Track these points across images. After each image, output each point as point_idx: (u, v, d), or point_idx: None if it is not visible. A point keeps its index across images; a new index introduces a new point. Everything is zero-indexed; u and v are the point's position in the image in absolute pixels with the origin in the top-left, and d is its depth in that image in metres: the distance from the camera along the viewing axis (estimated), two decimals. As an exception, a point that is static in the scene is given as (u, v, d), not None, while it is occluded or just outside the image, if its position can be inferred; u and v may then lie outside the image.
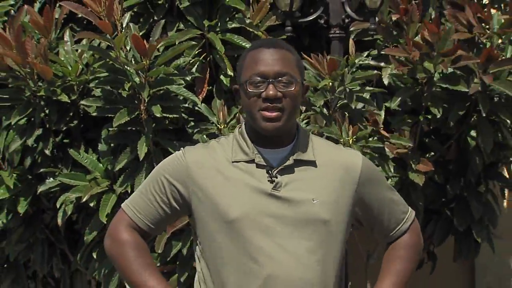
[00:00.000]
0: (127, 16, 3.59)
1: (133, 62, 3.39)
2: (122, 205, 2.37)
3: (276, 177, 2.30)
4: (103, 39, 3.42)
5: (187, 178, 2.32)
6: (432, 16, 3.91)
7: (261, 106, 2.24)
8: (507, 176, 4.27)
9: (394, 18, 3.83)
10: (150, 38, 3.50)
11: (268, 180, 2.30)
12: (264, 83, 2.24)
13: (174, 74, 3.44)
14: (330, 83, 3.61)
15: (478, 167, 3.96)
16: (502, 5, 4.18)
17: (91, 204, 3.53)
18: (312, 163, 2.35)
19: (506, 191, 4.44)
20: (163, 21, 3.60)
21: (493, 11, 3.98)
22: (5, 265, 4.21)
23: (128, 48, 3.43)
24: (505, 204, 4.73)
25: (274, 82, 2.24)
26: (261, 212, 2.29)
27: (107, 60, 3.45)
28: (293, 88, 2.26)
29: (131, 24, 3.53)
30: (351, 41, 3.74)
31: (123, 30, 3.45)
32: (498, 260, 5.33)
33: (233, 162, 2.32)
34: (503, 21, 3.78)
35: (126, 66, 3.38)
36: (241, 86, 2.29)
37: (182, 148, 2.40)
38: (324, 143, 2.47)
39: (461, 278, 5.40)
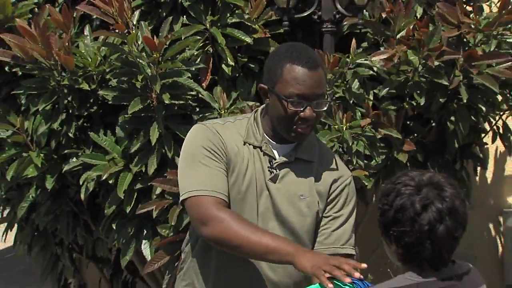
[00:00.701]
0: (137, 14, 3.56)
1: (145, 55, 3.38)
2: (192, 194, 2.26)
3: (276, 170, 2.25)
4: (117, 36, 3.43)
5: (224, 148, 2.30)
6: (418, 12, 3.87)
7: (297, 122, 2.24)
8: (480, 156, 4.30)
9: (383, 15, 3.79)
10: (160, 34, 3.50)
11: (269, 169, 2.26)
12: (303, 104, 2.22)
13: (181, 67, 3.44)
14: (331, 77, 3.59)
15: (454, 148, 3.99)
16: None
17: (110, 181, 3.51)
18: (311, 164, 2.36)
19: (479, 169, 4.46)
20: (170, 18, 3.59)
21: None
22: (36, 234, 4.22)
23: (139, 43, 3.42)
24: (477, 179, 4.67)
25: (312, 104, 2.23)
26: (260, 193, 2.31)
27: (122, 54, 3.46)
28: (325, 108, 2.28)
29: (142, 23, 3.50)
30: (353, 42, 3.67)
31: (134, 28, 3.44)
32: (470, 229, 5.29)
33: (244, 142, 2.31)
34: (490, 19, 3.72)
35: (138, 60, 3.38)
36: (275, 95, 2.25)
37: (202, 124, 2.38)
38: (326, 150, 2.51)
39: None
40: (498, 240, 5.42)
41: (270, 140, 2.32)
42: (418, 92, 3.64)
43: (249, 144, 2.31)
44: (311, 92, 2.21)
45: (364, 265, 1.99)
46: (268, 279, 2.34)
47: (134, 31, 3.38)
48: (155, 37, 3.37)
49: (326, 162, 2.39)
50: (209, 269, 2.38)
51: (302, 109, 2.21)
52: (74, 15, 3.69)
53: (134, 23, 3.47)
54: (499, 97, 3.92)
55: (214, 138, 2.29)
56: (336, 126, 3.50)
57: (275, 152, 2.32)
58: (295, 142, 2.32)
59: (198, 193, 2.24)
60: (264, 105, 2.39)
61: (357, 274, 1.97)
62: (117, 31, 3.33)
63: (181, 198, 2.30)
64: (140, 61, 3.37)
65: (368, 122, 3.55)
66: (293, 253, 2.10)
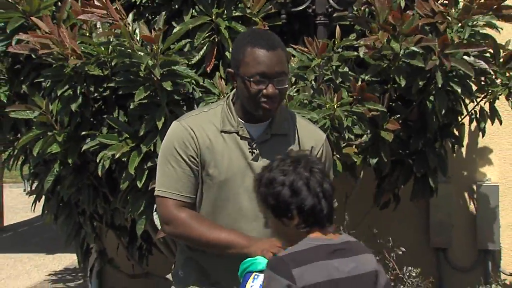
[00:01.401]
0: (131, 15, 3.61)
1: (146, 49, 3.40)
2: (158, 193, 2.28)
3: (256, 150, 2.24)
4: (111, 33, 3.46)
5: (195, 145, 2.24)
6: (402, 4, 3.83)
7: (261, 99, 2.19)
8: (457, 135, 4.31)
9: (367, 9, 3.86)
10: (155, 27, 3.49)
11: (249, 150, 2.19)
12: (265, 82, 2.17)
13: (177, 59, 3.44)
14: (320, 61, 3.60)
15: (434, 127, 3.99)
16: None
17: (124, 159, 3.52)
18: (286, 136, 2.32)
19: (456, 147, 4.44)
20: (163, 13, 3.59)
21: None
22: (61, 204, 4.21)
23: (138, 38, 3.47)
24: (454, 156, 4.68)
25: (273, 81, 2.18)
26: (244, 175, 2.24)
27: (125, 49, 3.46)
28: (286, 85, 2.25)
29: (138, 22, 3.59)
30: (337, 28, 3.71)
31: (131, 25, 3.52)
32: (447, 200, 5.30)
33: (221, 131, 2.26)
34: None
35: (139, 52, 3.39)
36: (239, 77, 2.21)
37: (177, 121, 2.33)
38: (299, 119, 2.45)
39: (418, 214, 5.32)
40: (472, 209, 5.38)
41: (245, 123, 2.26)
42: (400, 75, 3.64)
43: (226, 132, 2.23)
44: (271, 71, 2.17)
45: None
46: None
47: (130, 29, 3.41)
48: (152, 31, 3.39)
49: (301, 130, 2.35)
50: None
51: (264, 87, 2.17)
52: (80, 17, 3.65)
53: (130, 22, 3.51)
54: (474, 87, 3.95)
55: (186, 138, 2.26)
56: (328, 105, 3.48)
57: (252, 133, 2.26)
58: (267, 120, 2.29)
59: (163, 194, 2.26)
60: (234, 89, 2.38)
61: None
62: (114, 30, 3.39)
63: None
64: (140, 53, 3.37)
65: (355, 95, 3.56)
66: (247, 245, 2.14)
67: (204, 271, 2.33)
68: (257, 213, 2.14)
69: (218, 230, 2.20)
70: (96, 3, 3.43)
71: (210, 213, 2.27)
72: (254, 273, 2.06)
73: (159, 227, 3.49)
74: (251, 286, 2.03)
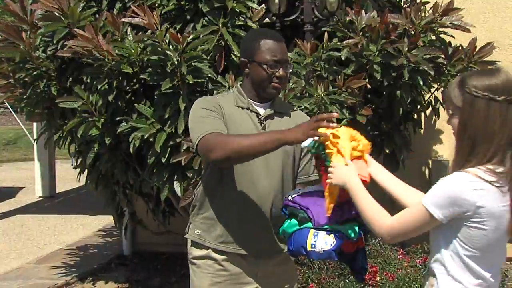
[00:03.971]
0: (165, 25, 3.55)
1: (172, 48, 3.33)
2: (199, 137, 2.10)
3: (264, 121, 2.29)
4: (148, 36, 3.40)
5: (220, 107, 2.23)
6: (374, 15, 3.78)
7: (274, 81, 2.22)
8: (417, 119, 4.33)
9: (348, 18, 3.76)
10: (184, 33, 3.43)
11: (258, 122, 2.27)
12: (277, 66, 2.21)
13: (200, 56, 3.38)
14: (310, 60, 3.57)
15: (399, 113, 3.96)
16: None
17: (150, 139, 3.47)
18: (285, 114, 2.35)
19: (417, 129, 4.43)
20: (192, 23, 3.54)
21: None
22: (100, 176, 4.18)
23: (167, 40, 3.36)
24: (415, 137, 4.65)
25: (283, 66, 2.23)
26: None
27: (154, 48, 3.39)
28: (290, 70, 2.31)
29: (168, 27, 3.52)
30: (326, 34, 3.65)
31: (162, 29, 3.40)
32: (410, 173, 5.29)
33: (235, 106, 2.28)
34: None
35: (167, 52, 3.32)
36: (255, 64, 2.22)
37: (204, 97, 2.37)
38: (285, 102, 2.56)
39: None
40: (428, 179, 5.39)
41: (253, 102, 2.27)
42: (376, 71, 3.61)
43: (239, 107, 2.25)
44: (281, 58, 2.22)
45: (335, 114, 1.93)
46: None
47: (161, 31, 3.32)
48: (178, 34, 3.31)
49: (294, 115, 2.36)
50: (221, 200, 2.27)
51: (277, 70, 2.21)
52: (123, 20, 3.59)
53: (164, 27, 3.45)
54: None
55: (212, 102, 2.24)
56: (316, 94, 3.44)
57: (258, 109, 2.25)
58: (272, 99, 2.29)
59: (203, 134, 2.09)
60: (241, 82, 2.37)
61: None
62: (149, 32, 3.32)
63: (194, 148, 2.17)
64: (168, 52, 3.30)
65: (339, 86, 3.53)
66: (283, 134, 1.99)
67: (220, 230, 2.25)
68: (269, 171, 2.18)
69: (253, 135, 2.08)
70: (135, 9, 3.35)
71: (230, 172, 2.19)
72: (313, 231, 1.88)
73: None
74: (313, 244, 1.86)
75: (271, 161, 2.22)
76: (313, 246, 1.88)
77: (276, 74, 2.20)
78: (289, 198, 2.03)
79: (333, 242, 1.86)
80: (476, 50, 3.87)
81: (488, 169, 1.64)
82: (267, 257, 2.28)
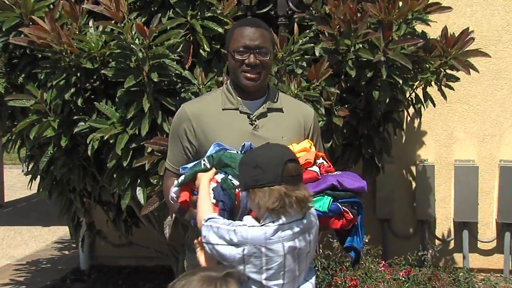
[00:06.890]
0: (134, 14, 3.48)
1: (138, 42, 3.22)
2: (166, 166, 2.34)
3: (255, 121, 2.17)
4: (115, 27, 3.27)
5: (190, 126, 2.19)
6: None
7: (244, 69, 2.15)
8: (398, 121, 4.28)
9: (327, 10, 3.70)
10: (150, 25, 3.33)
11: (249, 123, 2.16)
12: (247, 53, 2.14)
13: (166, 53, 3.29)
14: (281, 55, 3.51)
15: (379, 114, 3.92)
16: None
17: (111, 141, 3.39)
18: (280, 110, 2.27)
19: (397, 130, 4.44)
20: (159, 14, 3.42)
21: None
22: (54, 183, 4.10)
23: (133, 33, 3.26)
24: (396, 140, 4.67)
25: (254, 52, 2.13)
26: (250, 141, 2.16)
27: (119, 41, 3.29)
28: (267, 58, 2.17)
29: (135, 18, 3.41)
30: (295, 26, 3.60)
31: (129, 21, 3.29)
32: (391, 177, 5.34)
33: (223, 109, 2.20)
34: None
35: (132, 45, 3.23)
36: (229, 53, 2.18)
37: (183, 106, 2.28)
38: (287, 97, 2.40)
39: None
40: (412, 185, 5.42)
41: (244, 101, 2.21)
42: (351, 67, 3.58)
43: (227, 109, 2.20)
44: (252, 43, 2.13)
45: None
46: None
47: (129, 23, 3.22)
48: (145, 26, 3.22)
49: (292, 106, 2.30)
50: None
51: (246, 58, 2.13)
52: (82, 9, 3.53)
53: (131, 18, 3.35)
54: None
55: (182, 121, 2.22)
56: (289, 91, 3.40)
57: (249, 108, 2.22)
58: (254, 90, 2.21)
59: (166, 165, 2.32)
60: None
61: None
62: (114, 21, 3.19)
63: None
64: (133, 46, 3.22)
65: (313, 80, 3.50)
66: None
67: None
68: None
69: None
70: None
71: None
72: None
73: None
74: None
75: None
76: None
77: (246, 61, 2.13)
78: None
79: None
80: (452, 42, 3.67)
81: None
82: None
